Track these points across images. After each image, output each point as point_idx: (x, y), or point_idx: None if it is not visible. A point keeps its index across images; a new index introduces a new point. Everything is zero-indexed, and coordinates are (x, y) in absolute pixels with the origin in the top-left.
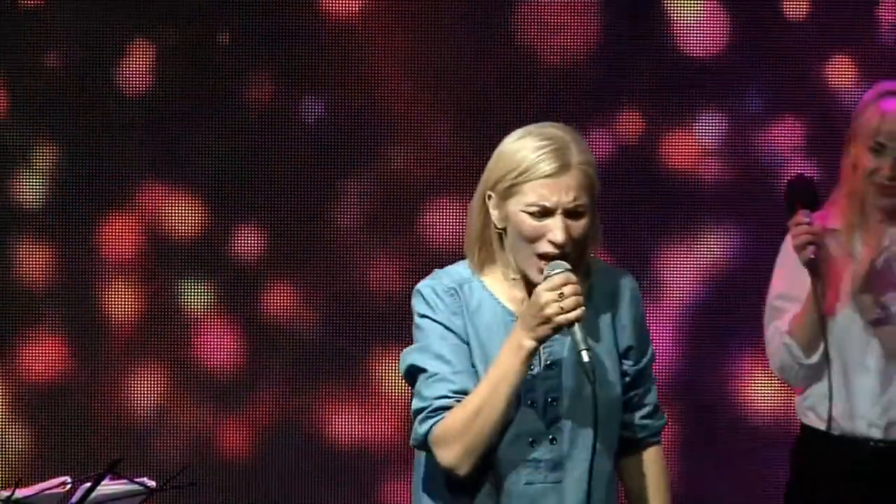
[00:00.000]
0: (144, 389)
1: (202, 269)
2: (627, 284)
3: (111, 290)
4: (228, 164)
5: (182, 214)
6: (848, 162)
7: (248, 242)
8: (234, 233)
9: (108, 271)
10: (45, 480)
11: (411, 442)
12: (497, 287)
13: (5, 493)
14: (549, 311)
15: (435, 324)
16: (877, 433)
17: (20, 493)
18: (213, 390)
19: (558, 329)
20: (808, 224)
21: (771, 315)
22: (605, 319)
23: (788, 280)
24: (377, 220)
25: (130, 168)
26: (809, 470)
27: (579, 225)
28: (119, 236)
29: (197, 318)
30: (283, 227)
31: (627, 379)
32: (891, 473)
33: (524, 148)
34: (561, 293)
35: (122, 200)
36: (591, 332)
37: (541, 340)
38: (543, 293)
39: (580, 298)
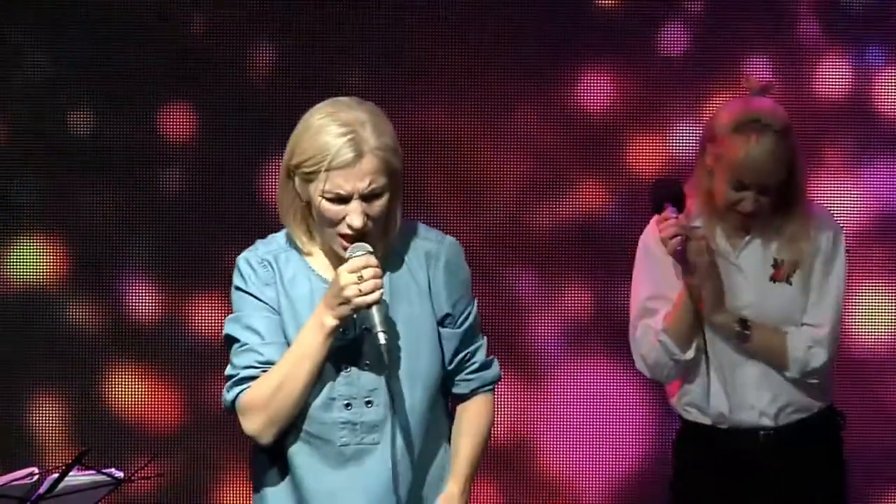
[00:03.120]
0: (112, 381)
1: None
2: (444, 250)
3: (79, 289)
4: None
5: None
6: (703, 163)
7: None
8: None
9: (77, 267)
10: (12, 472)
11: (222, 405)
12: (314, 257)
13: None
14: (349, 292)
15: (247, 295)
16: (767, 421)
17: None
18: (183, 383)
19: (357, 309)
20: (675, 218)
21: (640, 315)
22: (421, 282)
23: (655, 281)
24: None
25: None
26: (695, 464)
27: (377, 205)
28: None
29: (163, 310)
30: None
31: (451, 342)
32: (782, 456)
33: (322, 133)
34: (361, 276)
35: None
36: (404, 295)
37: (342, 319)
38: (344, 274)
39: (379, 282)
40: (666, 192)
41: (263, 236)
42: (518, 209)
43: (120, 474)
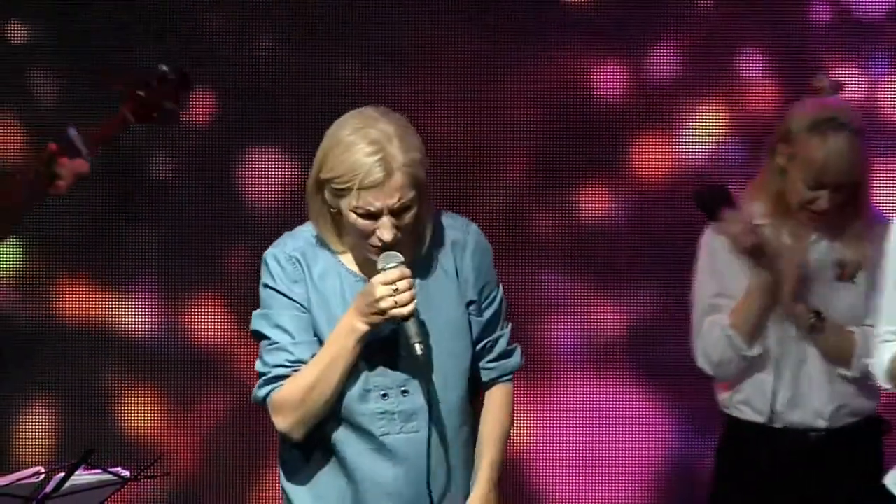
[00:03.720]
0: (117, 380)
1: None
2: (471, 236)
3: (78, 283)
4: None
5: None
6: (773, 164)
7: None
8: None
9: (69, 266)
10: (18, 471)
11: (252, 399)
12: (346, 253)
13: None
14: (384, 304)
15: (276, 293)
16: (821, 422)
17: None
18: (188, 380)
19: (392, 320)
20: (740, 216)
21: (706, 312)
22: (449, 271)
23: (721, 280)
24: None
25: None
26: (742, 464)
27: (407, 217)
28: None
29: (171, 309)
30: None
31: (475, 327)
32: (831, 458)
33: (352, 150)
34: (396, 288)
35: None
36: (434, 285)
37: (373, 326)
38: (379, 286)
39: (414, 293)
40: (718, 198)
41: (290, 228)
42: (521, 209)
43: (126, 473)
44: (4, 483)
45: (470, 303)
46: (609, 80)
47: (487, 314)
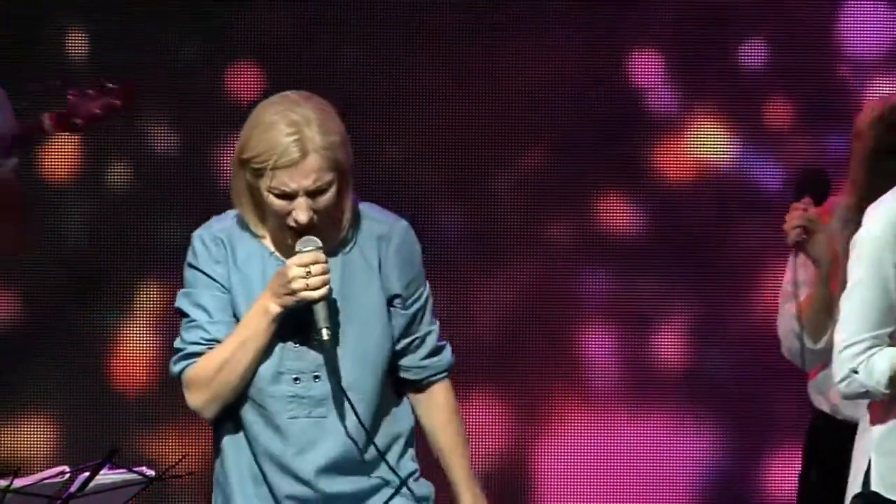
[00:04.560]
0: (143, 378)
1: None
2: (397, 231)
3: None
4: None
5: None
6: (856, 157)
7: None
8: None
9: (115, 264)
10: (43, 470)
11: (170, 374)
12: (267, 236)
13: (4, 483)
14: (296, 285)
15: (198, 272)
16: None
17: (19, 482)
18: None
19: (302, 302)
20: (804, 210)
21: (784, 299)
22: (372, 263)
23: (797, 266)
24: None
25: None
26: (820, 453)
27: (323, 200)
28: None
29: None
30: None
31: (399, 322)
32: None
33: (271, 131)
34: (309, 271)
35: None
36: (355, 275)
37: (285, 308)
38: (293, 268)
39: (326, 277)
40: (808, 183)
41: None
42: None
43: (151, 473)
44: (29, 483)
45: (394, 297)
46: (636, 74)
47: (413, 309)
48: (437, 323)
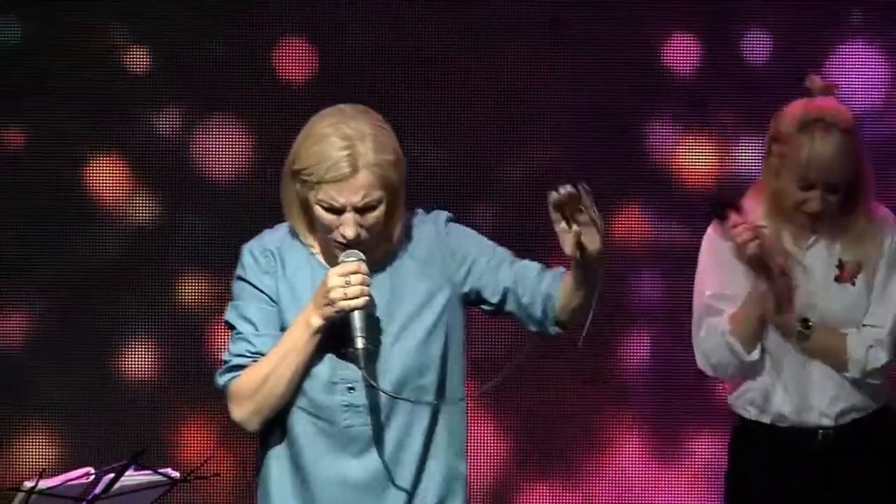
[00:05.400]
0: (168, 380)
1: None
2: (441, 223)
3: (133, 283)
4: None
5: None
6: (769, 164)
7: None
8: None
9: (137, 263)
10: (68, 471)
11: (214, 385)
12: (317, 248)
13: (30, 484)
14: (334, 294)
15: (246, 284)
16: (827, 421)
17: (44, 483)
18: None
19: (341, 312)
20: (746, 223)
21: (705, 314)
22: (424, 266)
23: (722, 279)
24: None
25: None
26: (752, 462)
27: (372, 216)
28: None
29: (216, 309)
30: None
31: (492, 287)
32: (839, 455)
33: (323, 143)
34: (348, 280)
35: None
36: (412, 288)
37: (327, 319)
38: (332, 277)
39: (365, 288)
40: (724, 202)
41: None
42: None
43: (176, 474)
44: (54, 484)
45: (470, 285)
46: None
47: (496, 259)
48: (528, 261)
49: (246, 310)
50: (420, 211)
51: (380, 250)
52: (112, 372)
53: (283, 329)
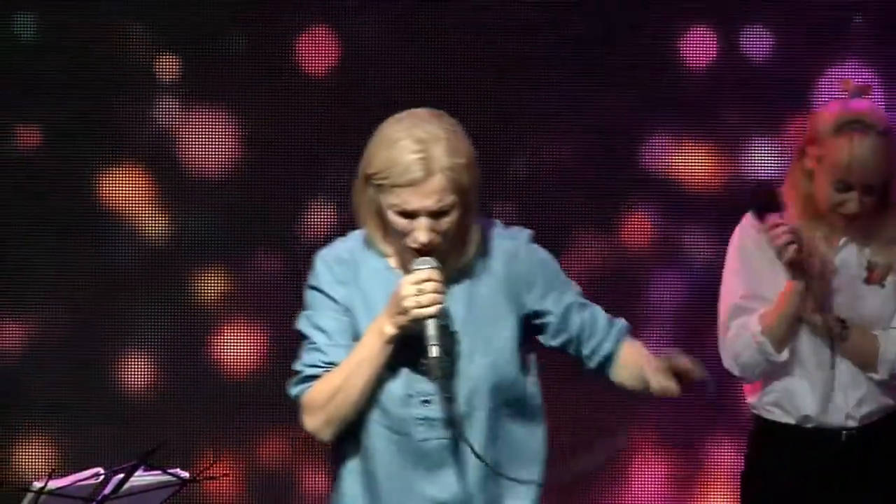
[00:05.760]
0: (178, 382)
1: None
2: (523, 242)
3: (141, 283)
4: None
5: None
6: (800, 167)
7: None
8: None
9: (144, 265)
10: (77, 472)
11: (290, 396)
12: (392, 256)
13: (39, 484)
14: (407, 303)
15: (319, 293)
16: (852, 423)
17: (53, 483)
18: (247, 383)
19: (414, 320)
20: (784, 224)
21: (733, 314)
22: (501, 284)
23: (750, 280)
24: None
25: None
26: (772, 463)
27: (446, 221)
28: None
29: (227, 313)
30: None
31: (556, 325)
32: (861, 455)
33: (396, 148)
34: (421, 288)
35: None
36: (486, 298)
37: (400, 328)
38: (405, 285)
39: (438, 296)
40: (764, 199)
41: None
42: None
43: (185, 474)
44: (64, 484)
45: (535, 313)
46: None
47: (566, 301)
48: (596, 306)
49: (319, 319)
50: (499, 223)
51: (456, 261)
52: (110, 375)
53: (356, 339)
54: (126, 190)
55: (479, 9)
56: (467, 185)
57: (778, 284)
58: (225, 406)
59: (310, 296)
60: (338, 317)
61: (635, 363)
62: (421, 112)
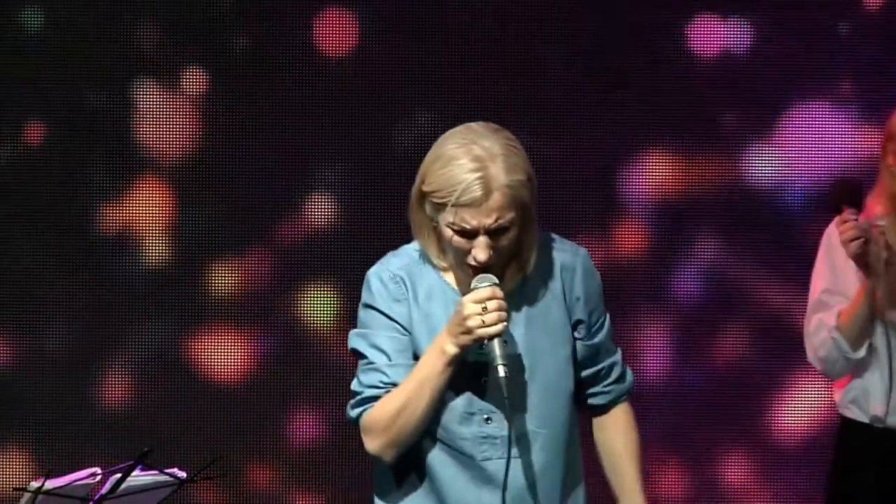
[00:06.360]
0: (173, 382)
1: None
2: (580, 261)
3: (142, 289)
4: None
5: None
6: (885, 165)
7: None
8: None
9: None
10: (75, 472)
11: (347, 419)
12: (448, 272)
13: (36, 484)
14: (471, 323)
15: (376, 312)
16: None
17: (51, 483)
18: (244, 383)
19: (479, 340)
20: (855, 220)
21: (815, 308)
22: (557, 295)
23: (833, 276)
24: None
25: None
26: (853, 462)
27: (505, 238)
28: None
29: (224, 313)
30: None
31: (584, 352)
32: None
33: (453, 166)
34: (485, 307)
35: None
36: (542, 310)
37: (463, 348)
38: (468, 305)
39: (502, 314)
40: (843, 193)
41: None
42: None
43: (182, 474)
44: (61, 484)
45: (578, 322)
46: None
47: (597, 339)
48: (619, 350)
49: (376, 338)
50: (555, 237)
51: (515, 277)
52: (98, 382)
53: (416, 358)
54: (117, 194)
55: (479, 9)
56: (526, 200)
57: (858, 281)
58: (214, 409)
59: (365, 314)
60: (396, 336)
61: (619, 456)
62: (478, 127)
